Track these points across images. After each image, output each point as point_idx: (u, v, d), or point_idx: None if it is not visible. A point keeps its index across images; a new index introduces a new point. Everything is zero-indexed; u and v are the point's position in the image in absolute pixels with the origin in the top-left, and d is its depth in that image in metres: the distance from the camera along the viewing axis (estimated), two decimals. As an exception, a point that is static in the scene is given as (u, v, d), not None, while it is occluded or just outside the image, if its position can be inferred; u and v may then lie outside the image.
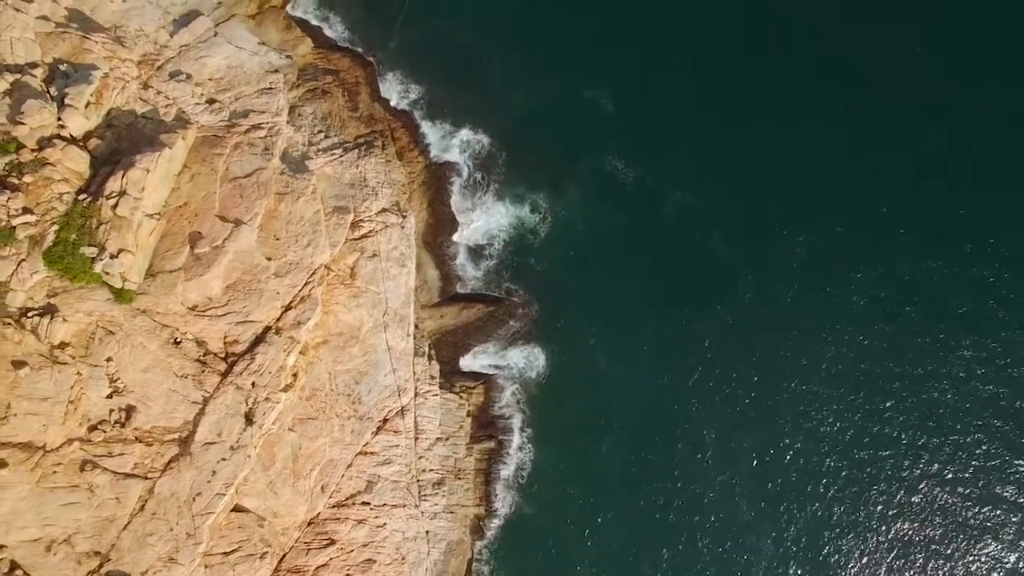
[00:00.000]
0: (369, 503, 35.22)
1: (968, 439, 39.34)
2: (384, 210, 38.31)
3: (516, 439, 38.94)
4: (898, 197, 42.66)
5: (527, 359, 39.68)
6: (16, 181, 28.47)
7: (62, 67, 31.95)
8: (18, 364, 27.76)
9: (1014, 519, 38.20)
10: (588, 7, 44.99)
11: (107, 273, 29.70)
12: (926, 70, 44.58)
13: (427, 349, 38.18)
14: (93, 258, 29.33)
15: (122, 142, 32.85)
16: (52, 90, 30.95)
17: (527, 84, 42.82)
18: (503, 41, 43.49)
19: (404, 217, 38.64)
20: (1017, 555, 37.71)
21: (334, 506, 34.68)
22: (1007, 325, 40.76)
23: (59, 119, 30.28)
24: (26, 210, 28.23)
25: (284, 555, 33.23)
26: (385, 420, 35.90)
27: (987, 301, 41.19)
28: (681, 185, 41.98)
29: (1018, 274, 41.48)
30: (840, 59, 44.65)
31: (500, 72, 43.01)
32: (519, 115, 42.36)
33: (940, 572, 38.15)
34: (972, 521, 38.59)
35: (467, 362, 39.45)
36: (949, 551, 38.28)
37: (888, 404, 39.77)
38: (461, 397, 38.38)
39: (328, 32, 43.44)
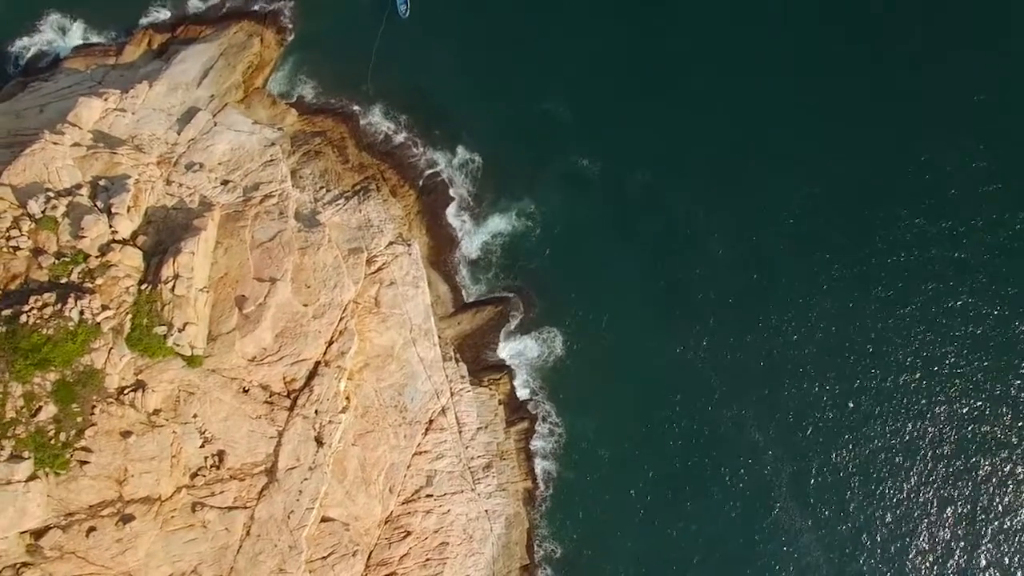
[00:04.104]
0: (432, 495, 39.90)
1: (967, 384, 44.22)
2: (391, 243, 43.22)
3: (546, 415, 43.62)
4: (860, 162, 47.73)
5: (541, 344, 44.37)
6: (91, 285, 33.58)
7: (101, 182, 36.97)
8: (126, 434, 32.59)
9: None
10: (527, 34, 49.70)
11: (178, 345, 34.48)
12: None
13: (453, 353, 42.86)
14: (164, 335, 34.22)
15: (162, 234, 37.59)
16: (99, 203, 36.01)
17: (490, 109, 47.63)
18: (461, 76, 48.21)
19: (409, 245, 43.43)
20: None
21: (404, 503, 39.34)
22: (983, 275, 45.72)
23: (110, 226, 35.40)
24: (104, 307, 33.27)
25: (371, 552, 38.25)
26: (431, 421, 40.44)
27: (964, 253, 46.10)
28: (639, 168, 47.03)
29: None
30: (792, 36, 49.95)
31: (463, 102, 47.63)
32: (489, 137, 47.15)
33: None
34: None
35: (489, 357, 44.06)
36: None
37: (870, 350, 44.78)
38: (491, 389, 43.06)
39: (307, 99, 48.16)
